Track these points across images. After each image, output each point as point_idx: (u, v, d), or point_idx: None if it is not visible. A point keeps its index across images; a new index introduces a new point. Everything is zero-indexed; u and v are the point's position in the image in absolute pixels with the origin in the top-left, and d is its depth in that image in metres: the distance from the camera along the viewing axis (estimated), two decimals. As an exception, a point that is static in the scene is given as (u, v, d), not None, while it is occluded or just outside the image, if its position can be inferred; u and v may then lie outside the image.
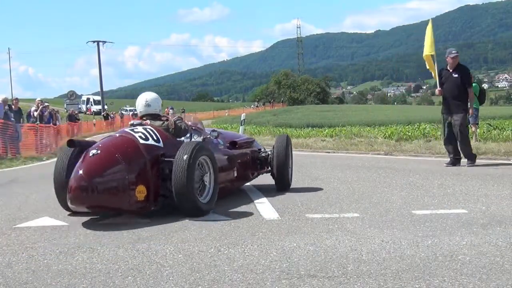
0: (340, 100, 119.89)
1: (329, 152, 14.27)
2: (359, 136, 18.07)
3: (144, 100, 5.96)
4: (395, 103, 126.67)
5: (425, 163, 9.91)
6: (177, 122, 5.75)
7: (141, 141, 5.30)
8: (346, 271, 3.12)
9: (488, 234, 3.90)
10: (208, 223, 4.64)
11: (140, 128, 5.53)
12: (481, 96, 14.10)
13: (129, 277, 3.14)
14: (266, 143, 19.25)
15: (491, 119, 26.47)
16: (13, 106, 16.44)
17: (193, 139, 5.96)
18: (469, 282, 2.87)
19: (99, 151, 4.96)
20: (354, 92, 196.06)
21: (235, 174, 6.25)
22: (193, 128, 6.21)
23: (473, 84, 13.36)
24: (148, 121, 5.77)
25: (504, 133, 14.64)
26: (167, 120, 5.83)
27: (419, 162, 10.09)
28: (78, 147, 5.37)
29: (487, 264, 3.18)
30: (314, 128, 27.66)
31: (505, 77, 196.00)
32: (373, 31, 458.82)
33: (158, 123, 5.77)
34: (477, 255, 3.37)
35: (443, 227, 4.21)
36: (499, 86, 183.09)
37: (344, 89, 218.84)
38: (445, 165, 8.95)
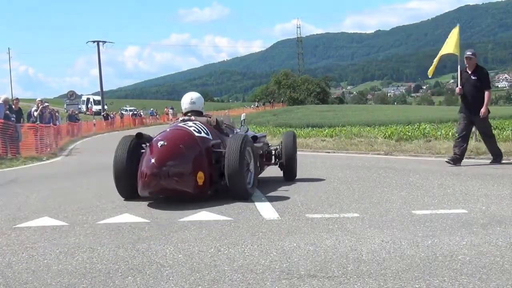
0: (340, 100, 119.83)
1: (329, 152, 14.28)
2: (359, 136, 18.07)
3: (190, 98, 6.87)
4: (395, 103, 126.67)
5: (425, 163, 9.91)
6: (218, 119, 6.65)
7: (196, 134, 6.10)
8: (346, 271, 3.12)
9: (488, 234, 3.90)
10: (208, 223, 4.64)
11: (191, 123, 6.36)
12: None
13: (129, 277, 3.14)
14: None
15: (491, 119, 26.42)
16: (13, 106, 16.46)
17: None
18: (469, 282, 2.87)
19: (165, 143, 5.71)
20: (354, 92, 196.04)
21: (258, 165, 6.80)
22: (225, 125, 6.94)
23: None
24: (192, 117, 6.61)
25: (504, 133, 14.64)
26: (209, 117, 6.72)
27: (419, 162, 10.09)
28: (140, 140, 6.15)
29: (487, 264, 3.18)
30: (314, 128, 27.64)
31: (505, 77, 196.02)
32: (373, 31, 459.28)
33: (202, 119, 6.58)
34: (477, 255, 3.37)
35: (443, 227, 4.21)
36: (499, 86, 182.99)
37: (344, 89, 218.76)
38: (446, 160, 9.02)
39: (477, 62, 9.12)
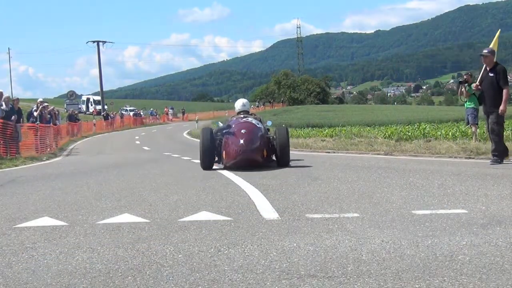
0: (340, 100, 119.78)
1: (329, 152, 14.28)
2: (359, 136, 18.07)
3: (242, 102, 10.75)
4: (395, 103, 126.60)
5: (425, 163, 9.91)
6: (260, 116, 10.71)
7: (257, 125, 9.75)
8: (346, 271, 3.12)
9: (488, 234, 3.90)
10: (208, 223, 4.64)
11: (250, 118, 10.03)
12: (481, 97, 14.10)
13: (129, 277, 3.14)
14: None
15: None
16: (13, 106, 16.45)
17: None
18: (469, 282, 2.86)
19: (246, 130, 9.24)
20: (354, 92, 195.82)
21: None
22: (259, 119, 10.49)
23: (473, 84, 13.36)
24: (247, 115, 10.27)
25: (504, 133, 14.61)
26: (255, 114, 10.85)
27: (419, 162, 10.09)
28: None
29: (487, 264, 3.18)
30: (314, 128, 27.68)
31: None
32: (373, 31, 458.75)
33: (254, 116, 10.48)
34: (477, 255, 3.37)
35: (443, 227, 4.21)
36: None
37: (344, 89, 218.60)
38: (490, 163, 9.05)
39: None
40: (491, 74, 9.02)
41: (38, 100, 21.45)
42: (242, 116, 10.07)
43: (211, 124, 21.33)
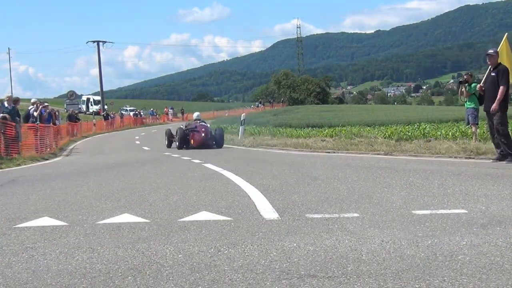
0: (340, 100, 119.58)
1: (329, 152, 14.28)
2: (359, 136, 18.08)
3: (196, 114, 20.18)
4: (395, 103, 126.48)
5: (425, 163, 9.91)
6: (205, 122, 20.47)
7: (208, 126, 19.58)
8: (346, 271, 3.12)
9: (488, 234, 3.90)
10: (208, 223, 4.64)
11: (203, 123, 19.39)
12: (481, 96, 14.11)
13: (129, 277, 3.14)
14: (266, 143, 19.32)
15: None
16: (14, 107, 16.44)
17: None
18: (469, 282, 2.86)
19: (204, 129, 18.52)
20: (354, 92, 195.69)
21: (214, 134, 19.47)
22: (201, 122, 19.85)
23: (473, 84, 13.37)
24: (198, 121, 19.37)
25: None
26: (204, 121, 20.16)
27: (419, 162, 10.09)
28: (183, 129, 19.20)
29: (487, 264, 3.18)
30: (314, 128, 27.65)
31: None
32: (373, 31, 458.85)
33: (203, 122, 19.77)
34: (477, 255, 3.37)
35: (443, 227, 4.21)
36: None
37: (344, 89, 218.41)
38: (492, 161, 9.08)
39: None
40: (493, 74, 9.09)
41: (32, 101, 21.43)
42: (199, 121, 19.35)
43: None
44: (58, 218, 5.08)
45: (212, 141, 18.52)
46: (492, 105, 9.02)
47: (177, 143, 18.69)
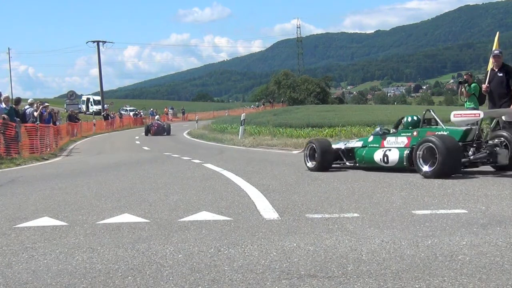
0: (340, 100, 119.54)
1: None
2: (359, 136, 18.06)
3: (156, 118, 41.80)
4: (395, 103, 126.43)
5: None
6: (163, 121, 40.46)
7: (162, 123, 36.42)
8: (346, 271, 3.12)
9: (488, 234, 3.90)
10: (208, 223, 4.64)
11: (159, 122, 36.63)
12: (481, 97, 14.11)
13: (129, 277, 3.14)
14: (266, 143, 19.32)
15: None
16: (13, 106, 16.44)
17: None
18: (469, 282, 2.87)
19: (156, 125, 34.73)
20: (354, 92, 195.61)
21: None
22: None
23: (473, 84, 13.37)
24: (158, 121, 37.71)
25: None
26: (163, 122, 39.89)
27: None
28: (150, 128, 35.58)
29: (487, 264, 3.18)
30: (314, 128, 27.63)
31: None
32: (373, 31, 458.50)
33: (160, 121, 38.60)
34: (477, 255, 3.37)
35: (443, 227, 4.21)
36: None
37: (344, 89, 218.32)
38: None
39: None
40: (500, 74, 9.19)
41: (29, 101, 21.41)
42: (156, 119, 37.31)
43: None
44: (58, 218, 5.08)
45: (164, 132, 33.29)
46: (502, 104, 9.12)
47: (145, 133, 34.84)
